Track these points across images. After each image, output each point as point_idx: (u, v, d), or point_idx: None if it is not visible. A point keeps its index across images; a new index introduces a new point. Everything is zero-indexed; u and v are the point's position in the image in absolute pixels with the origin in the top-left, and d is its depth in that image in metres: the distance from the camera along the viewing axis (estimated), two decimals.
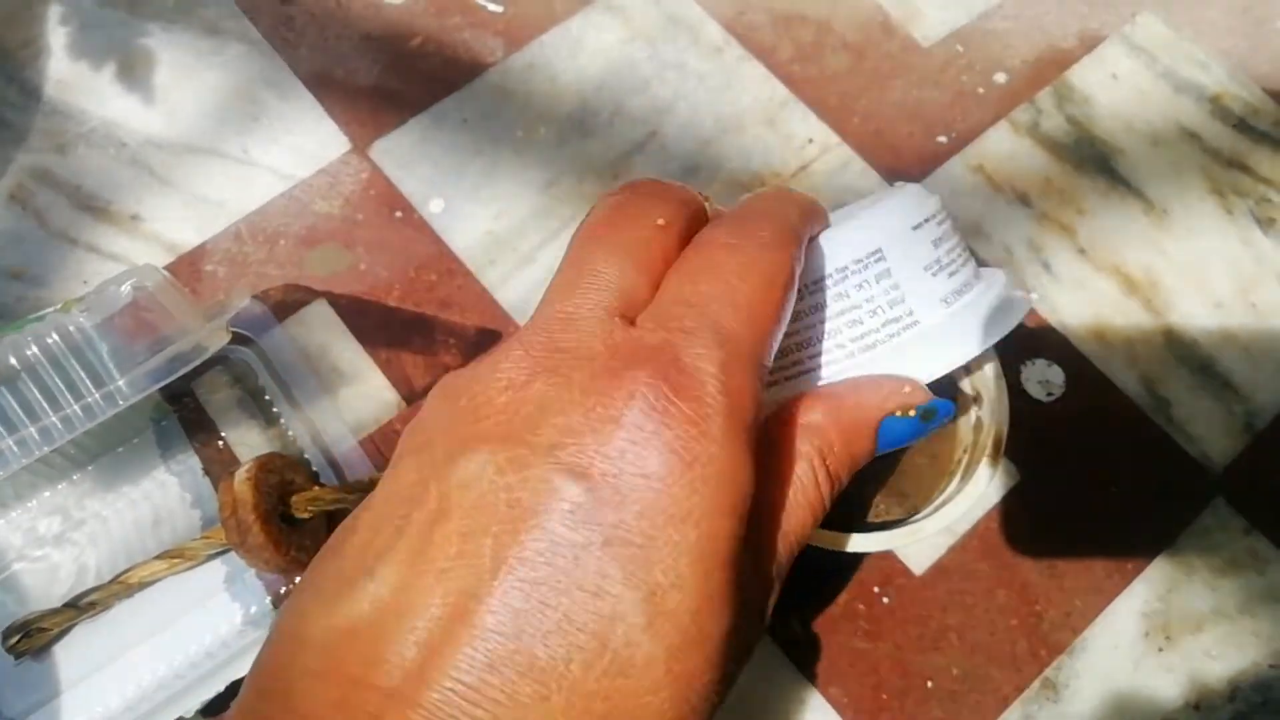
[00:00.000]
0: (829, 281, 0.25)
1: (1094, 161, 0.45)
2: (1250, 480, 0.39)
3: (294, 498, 0.35)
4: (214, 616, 0.36)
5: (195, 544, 0.36)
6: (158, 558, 0.36)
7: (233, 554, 0.36)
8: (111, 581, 0.35)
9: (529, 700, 0.16)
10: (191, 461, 0.39)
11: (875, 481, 0.33)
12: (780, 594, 0.22)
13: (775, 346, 0.21)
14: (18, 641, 0.34)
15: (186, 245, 0.43)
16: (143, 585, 0.36)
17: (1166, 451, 0.40)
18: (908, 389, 0.23)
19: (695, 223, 0.22)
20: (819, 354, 0.25)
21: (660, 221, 0.21)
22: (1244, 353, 0.41)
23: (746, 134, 0.46)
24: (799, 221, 0.23)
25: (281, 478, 0.35)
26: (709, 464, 0.18)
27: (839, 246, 0.25)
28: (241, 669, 0.34)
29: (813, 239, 0.24)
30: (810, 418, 0.22)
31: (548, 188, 0.45)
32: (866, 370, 0.25)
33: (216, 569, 0.37)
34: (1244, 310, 0.42)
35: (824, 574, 0.38)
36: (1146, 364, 0.41)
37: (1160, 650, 0.37)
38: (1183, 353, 0.42)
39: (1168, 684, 0.36)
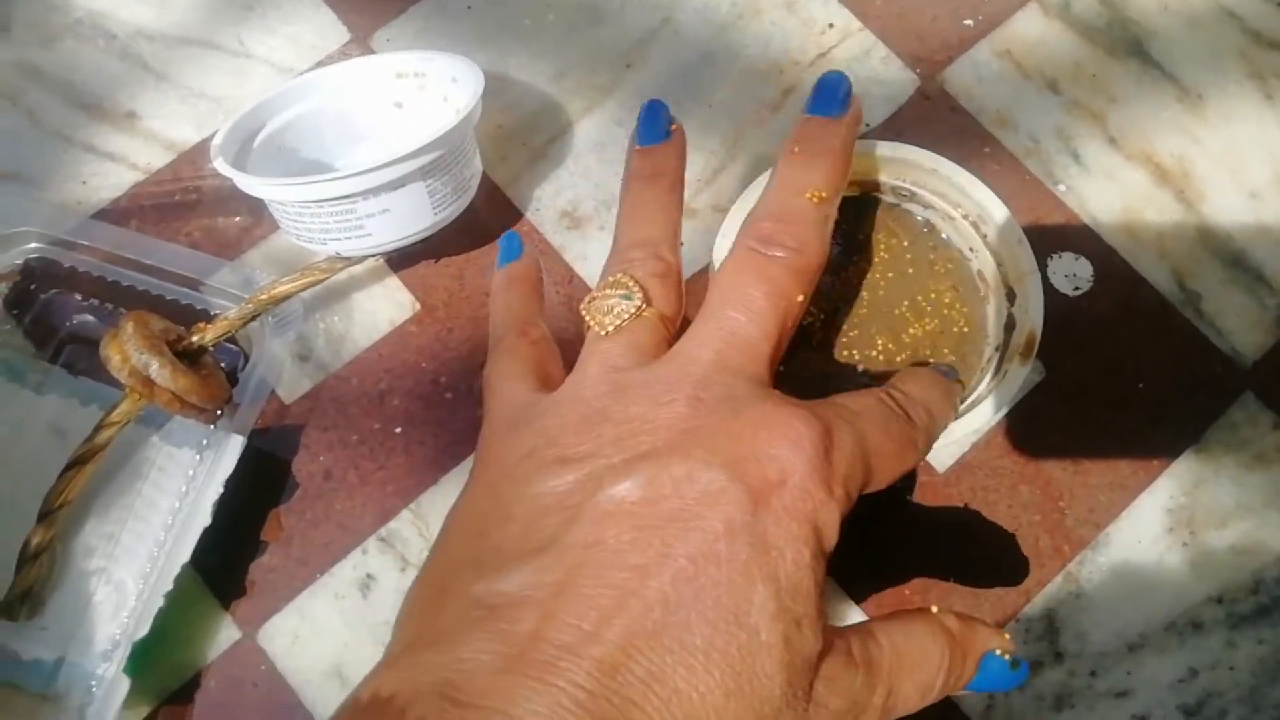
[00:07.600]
0: None
1: (1126, 45, 0.43)
2: None
3: (198, 329, 0.35)
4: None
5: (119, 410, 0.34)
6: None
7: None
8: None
9: (678, 667, 0.21)
10: (55, 371, 0.38)
11: None
12: None
13: (881, 486, 0.26)
14: None
15: (186, 142, 0.42)
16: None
17: (1195, 346, 0.39)
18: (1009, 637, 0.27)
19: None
20: None
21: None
22: (1278, 245, 0.40)
23: (764, 18, 0.44)
24: (945, 421, 0.28)
25: (164, 327, 0.34)
26: (827, 519, 0.23)
27: None
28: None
29: None
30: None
31: (558, 79, 0.43)
32: None
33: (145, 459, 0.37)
34: None
35: None
36: (1177, 257, 0.40)
37: (1184, 545, 0.37)
38: (1215, 245, 0.40)
39: (1191, 578, 0.36)
